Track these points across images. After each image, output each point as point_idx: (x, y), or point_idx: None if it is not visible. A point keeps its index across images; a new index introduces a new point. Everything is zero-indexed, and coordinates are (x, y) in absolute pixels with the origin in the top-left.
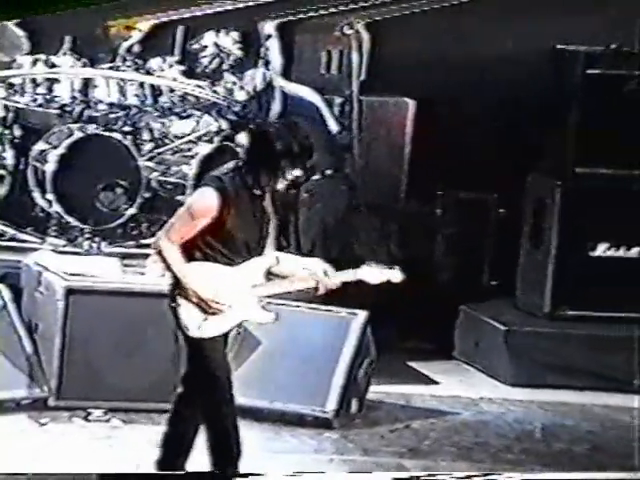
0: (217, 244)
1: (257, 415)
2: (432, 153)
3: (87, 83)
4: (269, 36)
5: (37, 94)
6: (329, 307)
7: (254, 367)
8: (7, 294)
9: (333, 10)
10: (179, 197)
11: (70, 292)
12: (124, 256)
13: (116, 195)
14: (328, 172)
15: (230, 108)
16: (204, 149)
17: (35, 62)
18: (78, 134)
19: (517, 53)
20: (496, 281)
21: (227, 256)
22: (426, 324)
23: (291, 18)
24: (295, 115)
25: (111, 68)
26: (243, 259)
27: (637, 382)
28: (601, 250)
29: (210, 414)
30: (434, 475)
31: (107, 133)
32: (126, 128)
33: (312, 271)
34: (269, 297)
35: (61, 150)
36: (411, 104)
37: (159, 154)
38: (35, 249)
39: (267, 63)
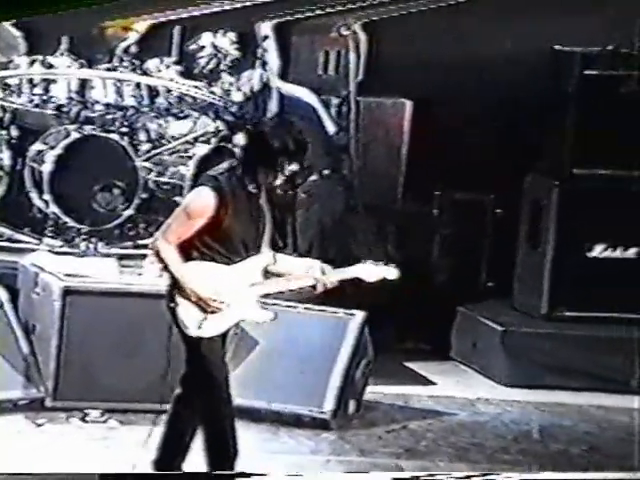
0: (214, 243)
1: (254, 415)
2: (429, 154)
3: (84, 84)
4: (266, 37)
5: (34, 95)
6: (326, 307)
7: (251, 367)
8: (4, 295)
9: (330, 10)
10: (176, 198)
11: (67, 293)
12: (121, 257)
13: (113, 196)
14: (325, 173)
15: (227, 109)
16: (201, 150)
17: (32, 63)
18: (75, 135)
19: (515, 53)
20: (493, 282)
21: (225, 255)
22: (423, 325)
23: (288, 18)
24: (292, 116)
25: (108, 69)
26: (240, 258)
27: (634, 383)
28: (598, 251)
29: (207, 414)
30: (432, 475)
31: (104, 134)
32: (123, 129)
33: (309, 269)
34: (267, 296)
35: (58, 151)
36: (408, 105)
37: (156, 155)
38: (32, 250)
39: (264, 64)
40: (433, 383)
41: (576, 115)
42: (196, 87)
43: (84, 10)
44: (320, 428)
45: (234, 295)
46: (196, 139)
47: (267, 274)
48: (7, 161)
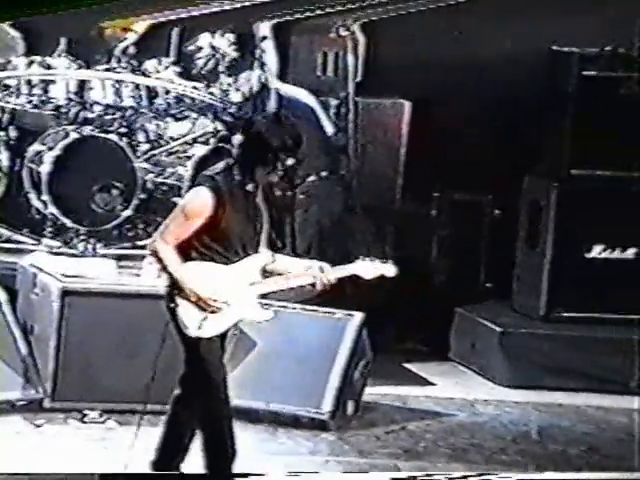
0: (213, 243)
1: (253, 416)
2: (428, 154)
3: (83, 85)
4: (264, 38)
5: (32, 95)
6: (325, 308)
7: (250, 368)
8: (2, 295)
9: (329, 10)
10: (175, 198)
11: (65, 293)
12: (120, 257)
13: (112, 196)
14: (324, 174)
15: (226, 110)
16: (200, 151)
17: (30, 63)
18: (73, 135)
19: (514, 54)
20: (492, 283)
21: (223, 255)
22: (422, 326)
23: (287, 19)
24: (291, 117)
25: (107, 69)
26: (239, 257)
27: (633, 383)
28: (597, 252)
29: (205, 415)
30: (430, 476)
31: (103, 135)
32: (122, 130)
33: (308, 268)
34: (266, 296)
35: (56, 151)
36: (407, 105)
37: (155, 156)
38: (31, 251)
39: (263, 65)
40: (432, 384)
41: (575, 116)
42: (195, 88)
43: (82, 11)
44: (318, 429)
45: (233, 295)
46: (195, 140)
47: (266, 273)
48: (5, 162)
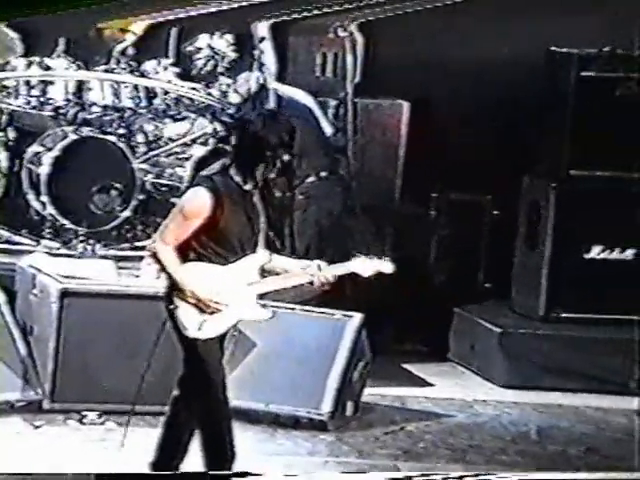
0: (211, 243)
1: (252, 417)
2: (427, 155)
3: (81, 85)
4: (263, 38)
5: (31, 96)
6: (324, 309)
7: (249, 369)
8: (1, 297)
9: (327, 10)
10: (174, 199)
11: (65, 294)
12: (119, 258)
13: (110, 197)
14: (323, 174)
15: (224, 110)
16: (198, 151)
17: (29, 64)
18: (72, 136)
19: (513, 54)
20: (491, 283)
21: (221, 255)
22: (421, 326)
23: (285, 18)
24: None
25: (105, 70)
26: (237, 257)
27: (632, 384)
28: (595, 252)
29: (205, 416)
30: (429, 476)
31: (101, 135)
32: (120, 130)
33: (306, 266)
34: (265, 295)
35: (55, 152)
36: (405, 106)
37: (153, 156)
38: (29, 251)
39: (261, 65)
40: (431, 385)
41: (574, 116)
42: (193, 89)
43: (81, 11)
44: (318, 429)
45: (232, 295)
46: (193, 141)
47: (264, 273)
48: (4, 163)
